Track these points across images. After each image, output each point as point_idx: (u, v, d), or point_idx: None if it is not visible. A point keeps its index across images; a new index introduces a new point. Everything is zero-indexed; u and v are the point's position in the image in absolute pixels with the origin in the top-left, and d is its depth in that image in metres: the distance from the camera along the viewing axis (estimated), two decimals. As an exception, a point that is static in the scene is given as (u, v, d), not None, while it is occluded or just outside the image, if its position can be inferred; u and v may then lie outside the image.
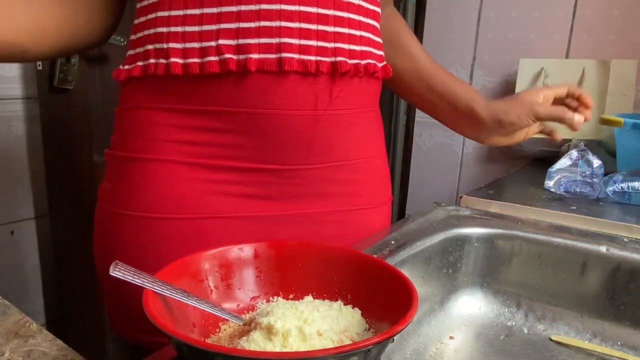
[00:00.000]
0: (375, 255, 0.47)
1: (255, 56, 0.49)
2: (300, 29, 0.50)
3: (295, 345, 0.33)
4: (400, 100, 1.49)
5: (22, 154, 1.13)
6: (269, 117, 0.51)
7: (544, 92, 0.68)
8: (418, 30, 1.38)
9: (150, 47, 0.52)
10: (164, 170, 0.53)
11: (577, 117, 0.66)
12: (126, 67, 0.55)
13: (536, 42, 1.20)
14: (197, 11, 0.49)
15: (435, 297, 0.61)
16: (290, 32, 0.49)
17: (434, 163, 1.42)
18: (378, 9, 0.59)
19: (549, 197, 0.79)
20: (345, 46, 0.53)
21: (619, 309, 0.58)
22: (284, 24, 0.49)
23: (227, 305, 0.41)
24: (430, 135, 1.41)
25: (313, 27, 0.50)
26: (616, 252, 0.58)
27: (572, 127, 0.66)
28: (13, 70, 1.09)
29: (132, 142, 0.55)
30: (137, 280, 0.33)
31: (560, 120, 0.66)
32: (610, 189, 0.76)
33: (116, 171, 0.57)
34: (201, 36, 0.49)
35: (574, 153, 0.80)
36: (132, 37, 0.55)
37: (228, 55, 0.49)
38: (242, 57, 0.49)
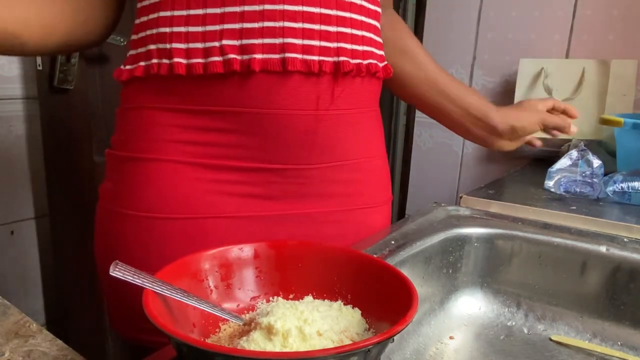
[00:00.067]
0: (375, 255, 0.47)
1: (259, 56, 0.49)
2: (303, 29, 0.50)
3: (295, 345, 0.33)
4: (401, 100, 1.49)
5: (22, 154, 1.13)
6: (273, 117, 0.51)
7: (541, 103, 0.77)
8: (418, 30, 1.38)
9: (152, 47, 0.52)
10: (167, 170, 0.53)
11: (573, 127, 0.76)
12: (128, 67, 0.55)
13: (536, 42, 1.20)
14: (200, 11, 0.49)
15: (435, 297, 0.61)
16: (293, 32, 0.49)
17: (434, 163, 1.42)
18: (379, 9, 0.59)
19: (549, 197, 0.79)
20: (348, 46, 0.53)
21: (619, 309, 0.58)
22: (287, 24, 0.49)
23: (227, 305, 0.41)
24: (430, 135, 1.41)
25: (316, 27, 0.50)
26: (616, 252, 0.58)
27: (567, 133, 0.76)
28: (13, 70, 1.09)
29: (135, 142, 0.55)
30: (137, 280, 0.33)
31: (562, 128, 0.75)
32: (610, 189, 0.76)
33: (118, 171, 0.57)
34: (205, 36, 0.49)
35: (574, 153, 0.80)
36: (134, 37, 0.55)
37: (232, 56, 0.49)
38: (245, 57, 0.49)
